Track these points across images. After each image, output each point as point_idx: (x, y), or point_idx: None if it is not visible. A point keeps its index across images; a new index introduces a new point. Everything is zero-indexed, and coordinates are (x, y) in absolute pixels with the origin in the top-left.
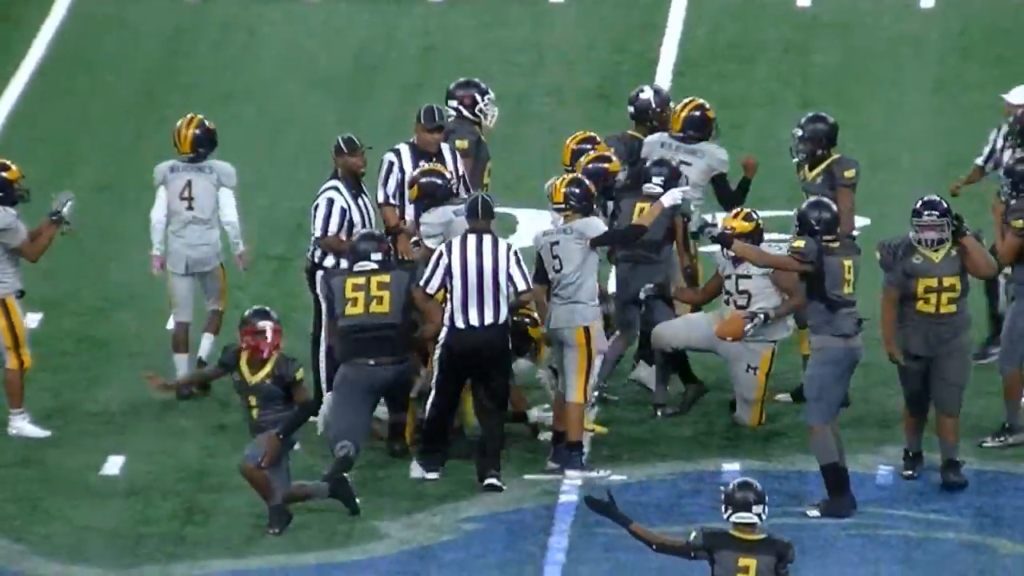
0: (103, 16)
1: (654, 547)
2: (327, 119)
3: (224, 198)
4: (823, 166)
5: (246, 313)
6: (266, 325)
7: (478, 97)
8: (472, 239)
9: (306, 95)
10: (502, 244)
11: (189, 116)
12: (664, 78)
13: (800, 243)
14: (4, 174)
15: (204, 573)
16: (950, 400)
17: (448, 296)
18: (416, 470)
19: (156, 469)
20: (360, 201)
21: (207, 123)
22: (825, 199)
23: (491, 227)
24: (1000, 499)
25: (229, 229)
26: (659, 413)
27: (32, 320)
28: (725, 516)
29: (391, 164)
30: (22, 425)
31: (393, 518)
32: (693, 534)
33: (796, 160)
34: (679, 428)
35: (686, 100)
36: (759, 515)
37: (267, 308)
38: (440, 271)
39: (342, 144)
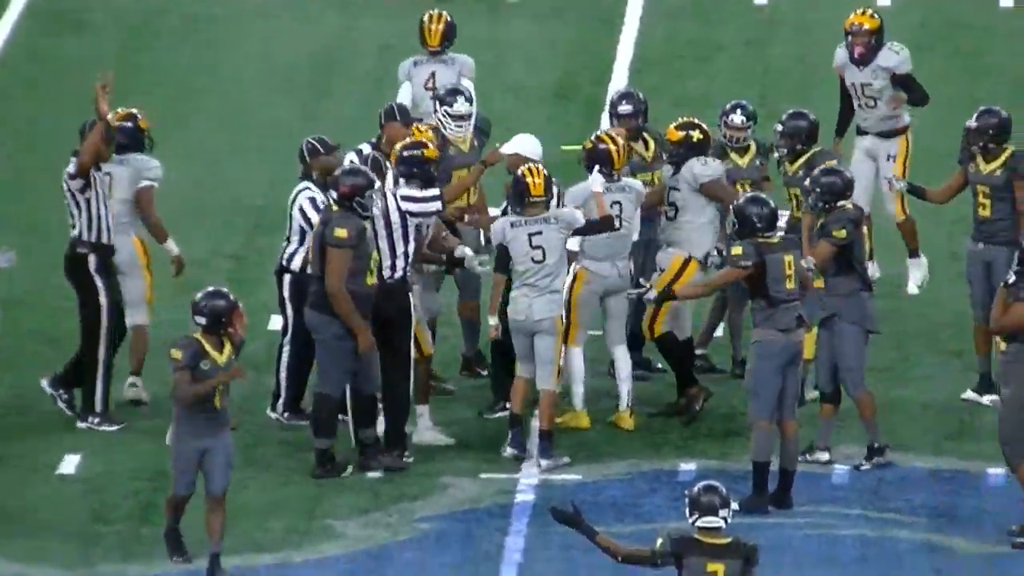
0: (62, 12)
1: (619, 558)
2: (288, 116)
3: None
4: (803, 160)
5: (198, 299)
6: (239, 303)
7: (437, 105)
8: None
9: (266, 92)
10: (391, 199)
11: (437, 11)
12: (621, 77)
13: (738, 250)
14: None
15: (160, 573)
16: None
17: None
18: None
19: (113, 468)
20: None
21: (450, 18)
22: (762, 194)
23: (383, 187)
24: (956, 499)
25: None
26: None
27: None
28: (690, 520)
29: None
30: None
31: (349, 517)
32: (659, 541)
33: (778, 156)
34: (634, 426)
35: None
36: (725, 519)
37: (221, 288)
38: None
39: (317, 145)
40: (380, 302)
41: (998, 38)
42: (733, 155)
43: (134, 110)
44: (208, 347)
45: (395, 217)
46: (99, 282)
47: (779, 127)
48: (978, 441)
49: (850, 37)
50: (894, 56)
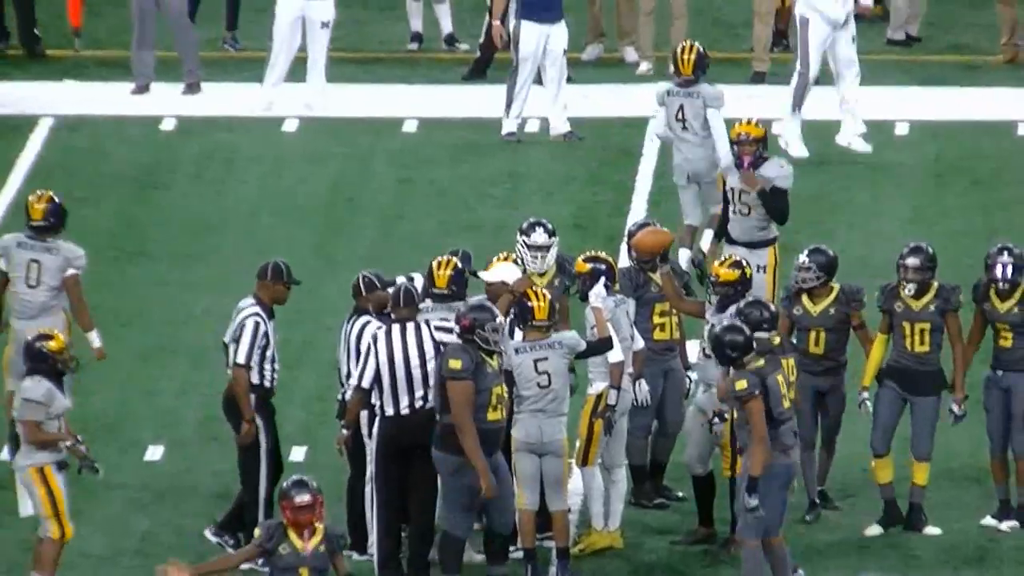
0: (80, 148)
1: None
2: (304, 249)
3: (712, 117)
4: (832, 297)
5: (284, 485)
6: (307, 499)
7: (518, 236)
8: (396, 329)
9: (283, 225)
10: (424, 331)
11: (689, 42)
12: (640, 207)
13: (742, 384)
14: (47, 344)
15: None
16: None
17: (378, 386)
18: None
19: None
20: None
21: (701, 48)
22: (738, 323)
23: (414, 315)
24: None
25: (718, 143)
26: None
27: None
28: None
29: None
30: None
31: None
32: None
33: (807, 287)
34: (656, 553)
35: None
36: None
37: (305, 478)
38: (372, 365)
39: (375, 280)
40: (410, 429)
41: (1015, 166)
42: (805, 300)
43: (50, 193)
44: (292, 534)
45: (428, 348)
46: (259, 421)
47: (806, 261)
48: (998, 568)
49: (736, 147)
50: (777, 168)
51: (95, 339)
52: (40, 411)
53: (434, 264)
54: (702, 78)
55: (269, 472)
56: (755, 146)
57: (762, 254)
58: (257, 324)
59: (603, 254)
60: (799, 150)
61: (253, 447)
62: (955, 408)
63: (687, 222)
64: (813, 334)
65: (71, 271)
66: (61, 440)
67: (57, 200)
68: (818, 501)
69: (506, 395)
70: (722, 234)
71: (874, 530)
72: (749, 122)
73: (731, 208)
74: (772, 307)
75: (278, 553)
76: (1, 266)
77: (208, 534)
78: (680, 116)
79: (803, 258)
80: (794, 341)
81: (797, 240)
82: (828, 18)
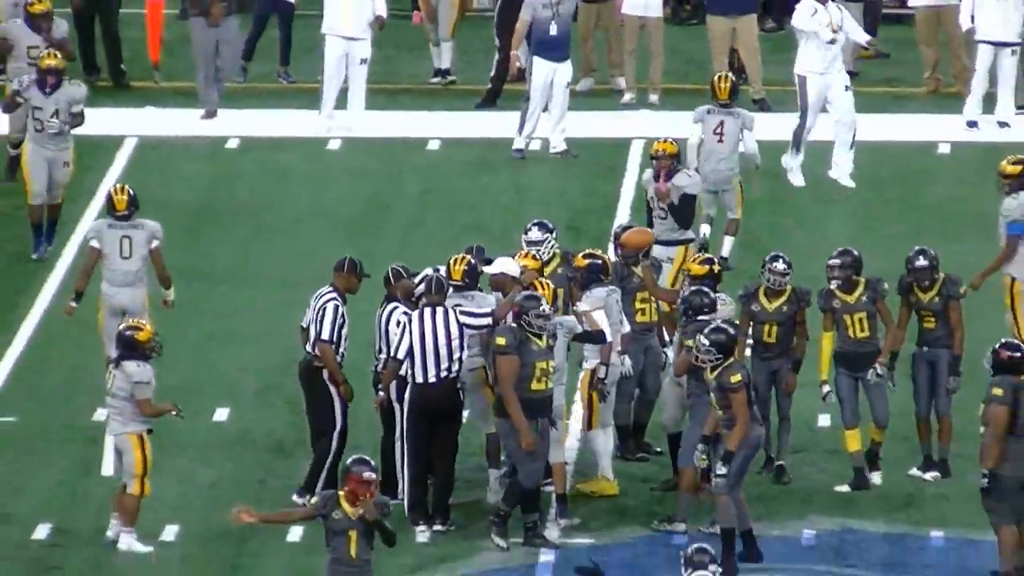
0: (155, 164)
1: None
2: (344, 247)
3: (748, 137)
4: (785, 296)
5: (348, 462)
6: (372, 476)
7: (524, 235)
8: (428, 311)
9: (327, 227)
10: (452, 316)
11: (724, 73)
12: (624, 213)
13: (737, 377)
14: (137, 334)
15: None
16: None
17: (411, 358)
18: (420, 535)
19: (205, 535)
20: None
21: (734, 79)
22: (722, 324)
23: (442, 301)
24: (905, 557)
25: (748, 155)
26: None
27: (102, 414)
28: (684, 575)
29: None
30: (131, 541)
31: None
32: None
33: (781, 289)
34: (638, 499)
35: None
36: (714, 573)
37: (366, 456)
38: (406, 340)
39: (401, 271)
40: (436, 395)
41: (936, 179)
42: (763, 298)
43: (127, 186)
44: (344, 502)
45: (454, 328)
46: (334, 391)
47: (784, 268)
48: (922, 510)
49: (655, 161)
50: (687, 178)
51: (170, 294)
52: (149, 390)
53: (451, 261)
54: (735, 102)
55: (340, 443)
56: (670, 160)
57: (673, 251)
58: (336, 307)
59: (599, 252)
60: (797, 179)
61: (328, 410)
62: (877, 368)
63: (706, 211)
64: (767, 327)
65: (155, 243)
66: (169, 411)
67: (132, 192)
68: (774, 456)
69: (552, 369)
70: None
71: (843, 488)
72: (665, 140)
73: (653, 212)
74: (712, 294)
75: (332, 517)
76: (95, 245)
77: (294, 497)
78: (719, 131)
79: (781, 265)
80: (749, 331)
81: (760, 240)
82: (820, 77)
